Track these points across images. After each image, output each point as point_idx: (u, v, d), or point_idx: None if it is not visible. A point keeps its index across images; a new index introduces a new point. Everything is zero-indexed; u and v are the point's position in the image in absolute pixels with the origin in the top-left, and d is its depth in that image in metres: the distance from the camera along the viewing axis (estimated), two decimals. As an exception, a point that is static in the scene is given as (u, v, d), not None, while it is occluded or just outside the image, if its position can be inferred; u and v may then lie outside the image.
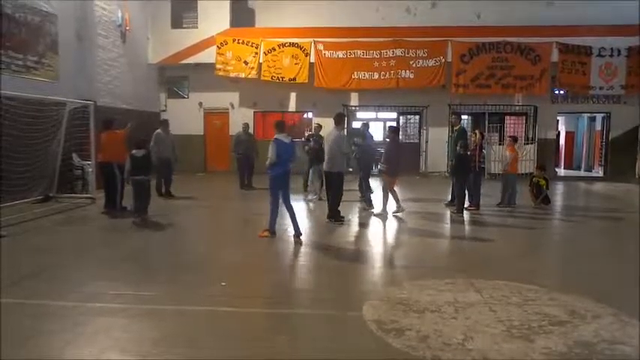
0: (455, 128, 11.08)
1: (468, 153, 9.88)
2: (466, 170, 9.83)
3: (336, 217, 8.78)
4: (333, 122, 8.91)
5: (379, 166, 9.80)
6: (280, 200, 7.45)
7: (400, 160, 9.79)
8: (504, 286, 5.24)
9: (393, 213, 9.53)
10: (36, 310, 4.54)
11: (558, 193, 13.21)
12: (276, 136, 7.48)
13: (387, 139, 10.25)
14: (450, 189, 10.72)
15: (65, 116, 11.02)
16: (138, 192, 8.59)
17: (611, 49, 15.48)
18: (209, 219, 9.89)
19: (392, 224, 8.99)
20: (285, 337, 4.05)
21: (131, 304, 4.70)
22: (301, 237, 7.36)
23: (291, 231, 7.48)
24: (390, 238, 8.34)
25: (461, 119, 12.68)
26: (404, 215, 9.49)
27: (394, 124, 16.31)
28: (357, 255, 6.82)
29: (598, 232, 8.83)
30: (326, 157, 8.89)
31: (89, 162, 11.18)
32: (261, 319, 4.51)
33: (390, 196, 9.57)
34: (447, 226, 8.94)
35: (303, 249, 7.02)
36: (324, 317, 4.50)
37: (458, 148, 9.84)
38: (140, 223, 8.46)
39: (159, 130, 11.59)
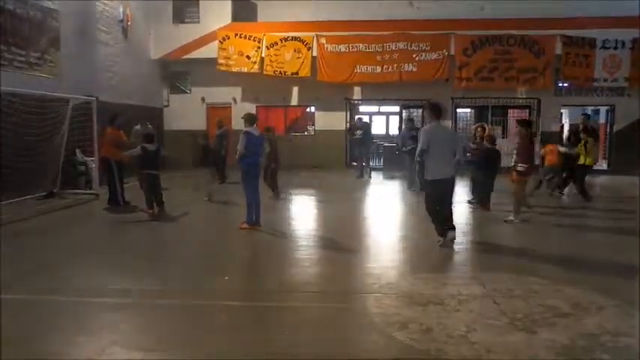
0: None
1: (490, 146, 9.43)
2: (496, 165, 9.35)
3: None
4: (429, 114, 7.09)
5: (518, 167, 8.21)
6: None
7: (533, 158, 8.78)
8: (508, 279, 5.24)
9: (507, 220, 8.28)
10: (40, 306, 4.57)
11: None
12: (246, 128, 7.57)
13: (517, 135, 8.92)
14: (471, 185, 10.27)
15: (68, 112, 11.02)
16: (150, 186, 8.69)
17: (616, 41, 15.37)
18: (214, 214, 9.90)
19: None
20: (289, 330, 4.05)
21: (136, 299, 4.72)
22: (260, 226, 7.66)
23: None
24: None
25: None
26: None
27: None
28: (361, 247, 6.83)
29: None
30: (432, 163, 6.53)
31: (92, 158, 11.20)
32: (266, 313, 4.52)
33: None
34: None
35: (304, 242, 7.03)
36: (328, 310, 4.51)
37: (483, 142, 9.55)
38: (152, 215, 8.54)
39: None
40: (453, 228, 6.65)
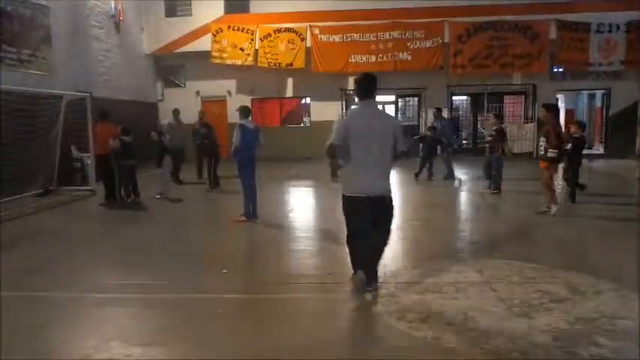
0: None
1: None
2: (580, 154, 8.86)
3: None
4: (356, 90, 4.71)
5: (549, 154, 7.67)
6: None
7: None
8: (505, 265, 5.25)
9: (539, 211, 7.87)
10: (40, 302, 4.57)
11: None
12: (240, 121, 7.54)
13: (542, 120, 8.66)
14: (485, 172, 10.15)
15: (62, 109, 10.98)
16: (128, 175, 9.49)
17: (610, 24, 15.32)
18: (212, 206, 9.89)
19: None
20: (288, 321, 4.06)
21: (134, 294, 4.72)
22: (257, 219, 7.68)
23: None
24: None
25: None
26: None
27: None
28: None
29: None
30: (352, 169, 4.49)
31: (88, 154, 11.16)
32: (266, 305, 4.53)
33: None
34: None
35: (302, 234, 7.03)
36: (327, 301, 4.52)
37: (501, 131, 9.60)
38: (130, 203, 9.43)
39: (170, 121, 12.19)
40: (374, 275, 4.53)
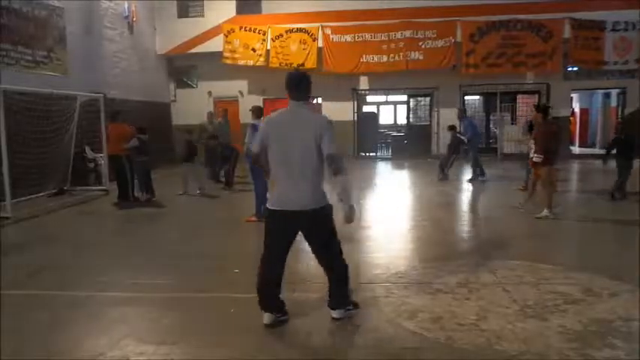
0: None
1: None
2: (632, 154, 8.73)
3: None
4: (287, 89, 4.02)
5: (534, 157, 7.62)
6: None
7: (558, 146, 7.80)
8: (518, 266, 5.20)
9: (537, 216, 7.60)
10: (53, 301, 4.61)
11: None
12: (253, 121, 7.56)
13: (533, 122, 8.34)
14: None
15: (76, 109, 11.10)
16: (143, 174, 9.77)
17: (625, 22, 15.12)
18: (223, 206, 9.93)
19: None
20: (298, 320, 4.06)
21: (147, 293, 4.75)
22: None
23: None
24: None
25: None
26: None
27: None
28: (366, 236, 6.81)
29: None
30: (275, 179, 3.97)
31: (101, 154, 11.28)
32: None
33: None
34: None
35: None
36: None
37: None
38: (145, 202, 9.60)
39: (220, 119, 12.50)
40: (342, 301, 3.99)
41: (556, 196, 7.97)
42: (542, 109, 7.87)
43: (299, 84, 3.90)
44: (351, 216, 3.66)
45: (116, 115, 10.07)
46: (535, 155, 7.52)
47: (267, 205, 3.81)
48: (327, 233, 3.80)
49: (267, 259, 3.84)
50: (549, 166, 7.51)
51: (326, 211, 3.73)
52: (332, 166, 3.59)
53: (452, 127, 12.30)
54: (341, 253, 3.92)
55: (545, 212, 7.50)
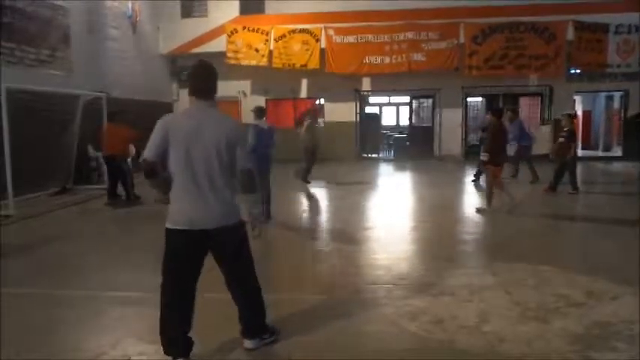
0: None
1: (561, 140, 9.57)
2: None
3: None
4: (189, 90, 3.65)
5: (481, 156, 8.67)
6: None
7: (504, 148, 8.41)
8: (520, 269, 5.19)
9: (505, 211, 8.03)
10: (55, 300, 4.62)
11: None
12: (254, 121, 7.57)
13: (488, 124, 8.68)
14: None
15: (79, 108, 11.12)
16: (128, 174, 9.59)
17: (629, 25, 15.07)
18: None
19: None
20: (299, 320, 4.06)
21: (148, 293, 4.74)
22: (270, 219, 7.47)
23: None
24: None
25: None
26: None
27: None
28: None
29: None
30: (175, 191, 3.34)
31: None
32: (276, 305, 4.52)
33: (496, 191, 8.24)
34: None
35: (315, 235, 7.02)
36: (339, 301, 4.51)
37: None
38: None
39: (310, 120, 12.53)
40: (257, 331, 3.54)
41: (502, 195, 8.24)
42: (497, 111, 8.60)
43: (208, 78, 3.39)
44: (258, 224, 3.35)
45: (113, 116, 9.99)
46: (482, 154, 8.30)
47: (167, 224, 3.22)
48: (240, 253, 3.34)
49: (168, 288, 3.24)
50: (495, 166, 8.06)
51: (239, 228, 3.27)
52: (245, 183, 3.20)
53: (483, 130, 11.21)
54: (254, 273, 3.43)
55: (484, 206, 8.23)
